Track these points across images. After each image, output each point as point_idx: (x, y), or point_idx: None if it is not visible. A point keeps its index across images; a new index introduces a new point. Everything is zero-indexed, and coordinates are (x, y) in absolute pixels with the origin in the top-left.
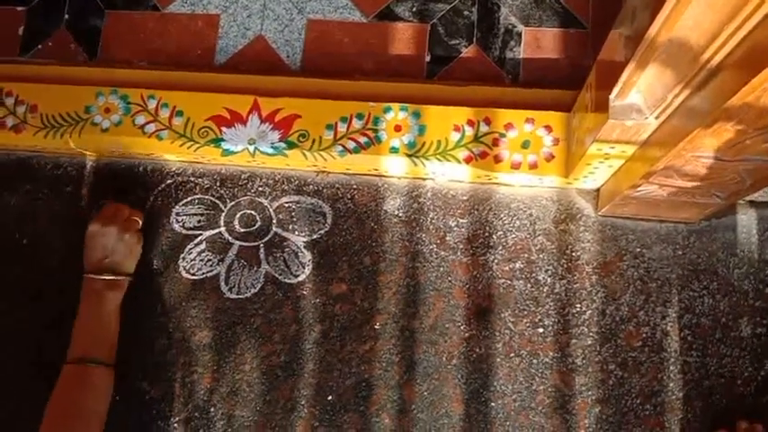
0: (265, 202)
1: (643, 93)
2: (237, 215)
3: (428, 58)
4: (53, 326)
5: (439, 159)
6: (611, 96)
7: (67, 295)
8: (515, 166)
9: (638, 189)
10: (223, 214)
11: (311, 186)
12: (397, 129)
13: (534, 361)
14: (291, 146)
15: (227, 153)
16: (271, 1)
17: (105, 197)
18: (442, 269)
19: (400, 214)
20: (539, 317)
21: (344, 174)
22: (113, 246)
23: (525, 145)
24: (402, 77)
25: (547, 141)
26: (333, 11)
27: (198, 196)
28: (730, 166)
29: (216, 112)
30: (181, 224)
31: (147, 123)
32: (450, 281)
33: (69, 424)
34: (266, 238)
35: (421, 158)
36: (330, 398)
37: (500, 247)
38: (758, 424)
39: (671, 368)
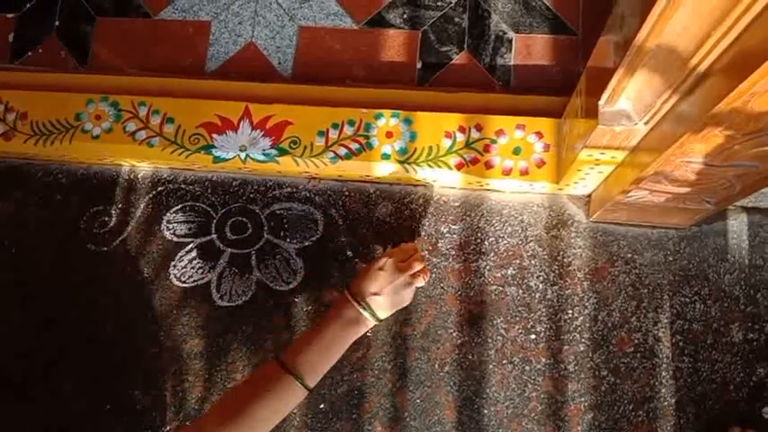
0: (257, 209)
1: (632, 99)
2: (229, 222)
3: (419, 65)
4: (41, 332)
5: (430, 166)
6: (601, 102)
7: (56, 303)
8: (506, 173)
9: (629, 195)
10: (214, 221)
11: (303, 193)
12: (389, 135)
13: (527, 367)
14: (283, 152)
15: (218, 160)
16: (262, 8)
17: (95, 206)
18: (433, 276)
19: (392, 221)
20: (531, 323)
21: (336, 180)
22: (389, 290)
23: (516, 151)
24: (393, 84)
25: (538, 147)
26: (324, 18)
27: (189, 203)
28: (719, 172)
29: (207, 118)
30: (172, 231)
31: (138, 130)
32: (442, 287)
33: (243, 417)
34: (258, 246)
35: (412, 165)
36: (322, 406)
37: (492, 254)
38: (750, 430)
39: (663, 374)
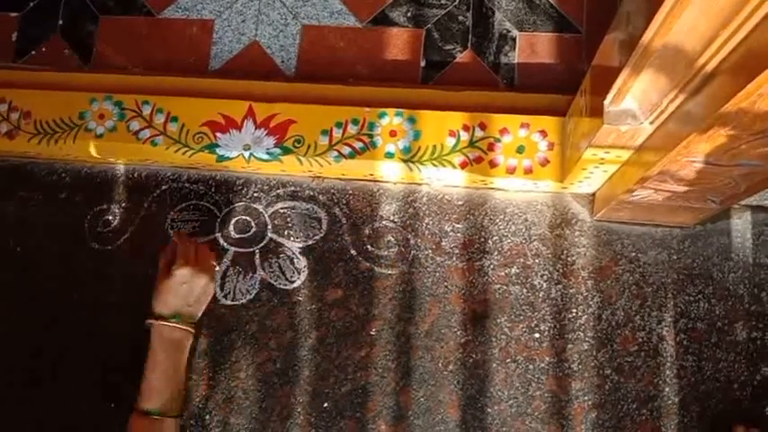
0: (260, 208)
1: (638, 98)
2: (232, 221)
3: (423, 64)
4: (45, 331)
5: (434, 164)
6: (606, 101)
7: (60, 301)
8: (510, 171)
9: (634, 194)
10: (218, 220)
11: (306, 192)
12: (393, 134)
13: (530, 366)
14: (286, 151)
15: (221, 159)
16: (265, 6)
17: (100, 205)
18: (437, 274)
19: (396, 220)
20: (535, 322)
21: (340, 179)
22: (199, 295)
23: (520, 150)
24: (397, 82)
25: (542, 146)
26: (327, 16)
27: (193, 202)
28: (725, 171)
29: (211, 117)
30: (176, 230)
31: (142, 129)
32: (446, 286)
33: None
34: (261, 244)
35: (416, 163)
36: (326, 405)
37: (496, 253)
38: (754, 428)
39: (667, 373)
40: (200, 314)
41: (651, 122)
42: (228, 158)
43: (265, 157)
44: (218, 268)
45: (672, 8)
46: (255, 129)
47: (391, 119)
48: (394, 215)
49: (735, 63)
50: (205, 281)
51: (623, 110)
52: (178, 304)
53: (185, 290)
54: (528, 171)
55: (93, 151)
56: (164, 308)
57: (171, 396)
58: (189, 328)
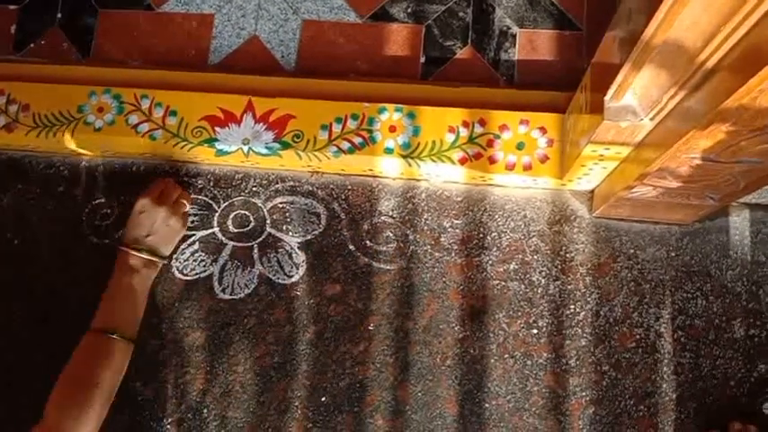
0: (259, 203)
1: (638, 94)
2: (231, 215)
3: (423, 59)
4: (43, 324)
5: (433, 160)
6: (607, 98)
7: (58, 295)
8: (510, 168)
9: (633, 190)
10: (216, 215)
11: (305, 187)
12: (392, 129)
13: (528, 362)
14: (286, 146)
15: (220, 153)
16: (265, 1)
17: (98, 198)
18: (436, 270)
19: (395, 215)
20: (533, 318)
21: (339, 174)
22: (158, 226)
23: (520, 146)
24: (397, 78)
25: (541, 143)
26: (328, 11)
27: (191, 196)
28: (724, 168)
29: (210, 111)
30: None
31: (141, 123)
32: (444, 282)
33: (82, 391)
34: (260, 239)
35: (415, 159)
36: (324, 399)
37: (494, 249)
38: (751, 425)
39: (664, 369)
40: (163, 248)
41: (651, 119)
42: (227, 153)
43: (264, 151)
44: (188, 208)
45: (673, 4)
46: (255, 123)
47: (391, 114)
48: (393, 211)
49: (735, 59)
50: (164, 213)
51: (623, 106)
52: (137, 233)
53: (144, 219)
54: (527, 168)
55: (91, 145)
56: (127, 235)
57: (123, 319)
58: (149, 257)
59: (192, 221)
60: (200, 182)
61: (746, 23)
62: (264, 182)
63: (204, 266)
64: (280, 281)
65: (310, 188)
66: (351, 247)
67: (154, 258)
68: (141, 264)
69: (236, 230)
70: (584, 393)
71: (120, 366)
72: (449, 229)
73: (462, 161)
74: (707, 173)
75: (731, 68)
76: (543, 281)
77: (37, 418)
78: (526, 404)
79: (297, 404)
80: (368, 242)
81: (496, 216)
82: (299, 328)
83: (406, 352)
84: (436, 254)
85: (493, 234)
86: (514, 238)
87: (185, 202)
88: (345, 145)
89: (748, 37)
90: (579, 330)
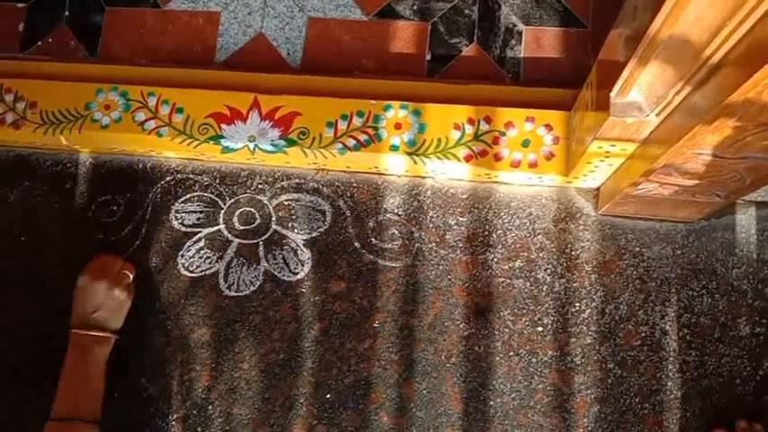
0: (265, 200)
1: (644, 90)
2: (237, 213)
3: (429, 57)
4: (50, 321)
5: (439, 158)
6: (612, 94)
7: (66, 291)
8: (515, 165)
9: (638, 187)
10: (222, 212)
11: (311, 184)
12: (398, 127)
13: (533, 360)
14: (291, 143)
15: (226, 150)
16: None
17: (104, 195)
18: (441, 267)
19: (400, 212)
20: (538, 315)
21: (344, 172)
22: (102, 301)
23: (525, 143)
24: (402, 76)
25: (547, 140)
26: (333, 9)
27: (197, 193)
28: (730, 164)
29: (216, 109)
30: (180, 221)
31: (147, 120)
32: (449, 279)
33: None
34: (265, 236)
35: (421, 157)
36: (329, 396)
37: (500, 246)
38: (757, 423)
39: (670, 367)
40: (112, 322)
41: (657, 115)
42: (233, 150)
43: (270, 148)
44: (131, 278)
45: None
46: (261, 120)
47: (396, 112)
48: (398, 208)
49: (741, 53)
50: (106, 286)
51: (629, 102)
52: (82, 311)
53: (87, 296)
54: (533, 165)
55: (98, 142)
56: (73, 317)
57: (83, 401)
58: (99, 334)
59: (198, 219)
60: (205, 179)
61: (752, 18)
62: (270, 179)
63: (210, 263)
64: (285, 278)
65: (316, 185)
66: (356, 244)
67: (104, 334)
68: (92, 341)
69: (241, 228)
70: (589, 391)
71: None
72: (454, 227)
73: (468, 158)
74: (713, 169)
75: (737, 63)
76: (548, 278)
77: (42, 417)
78: (531, 402)
79: (302, 401)
80: (373, 239)
81: (502, 213)
82: (305, 325)
83: (410, 349)
84: (441, 251)
85: (498, 231)
86: (520, 236)
87: (128, 272)
88: (351, 142)
89: (753, 31)
90: (584, 328)
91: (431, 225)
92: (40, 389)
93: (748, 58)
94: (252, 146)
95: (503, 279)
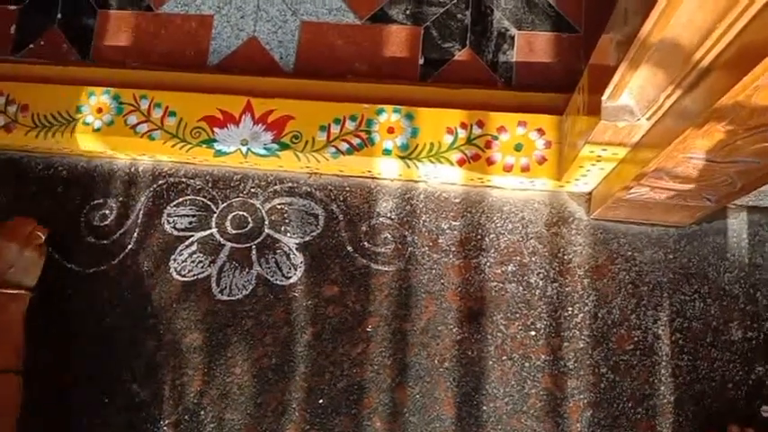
0: (257, 204)
1: (635, 94)
2: (229, 216)
3: (421, 61)
4: (40, 324)
5: (432, 162)
6: (604, 98)
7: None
8: (508, 169)
9: (630, 191)
10: (215, 216)
11: (304, 188)
12: (390, 131)
13: (526, 364)
14: (284, 147)
15: (219, 154)
16: (264, 2)
17: (96, 199)
18: (434, 272)
19: (393, 216)
20: (531, 320)
21: (337, 176)
22: (14, 260)
23: (518, 148)
24: (395, 80)
25: (539, 144)
26: (326, 13)
27: (190, 197)
28: (721, 168)
29: (209, 112)
30: (172, 225)
31: (140, 123)
32: (442, 283)
33: None
34: (258, 240)
35: (414, 161)
36: (321, 401)
37: (492, 250)
38: (749, 428)
39: (662, 372)
40: (26, 279)
41: (648, 118)
42: (226, 153)
43: (263, 152)
44: (42, 239)
45: (669, 2)
46: (253, 124)
47: (389, 116)
48: (391, 212)
49: (731, 56)
50: (17, 246)
51: (621, 106)
52: None
53: (1, 258)
54: (525, 169)
55: (90, 145)
56: None
57: (2, 354)
58: (12, 291)
59: (191, 222)
60: (198, 183)
61: (741, 21)
62: (263, 183)
63: (202, 267)
64: (278, 282)
65: (309, 189)
66: (349, 248)
67: (18, 292)
68: (8, 298)
69: (234, 231)
70: (582, 396)
71: (12, 399)
72: (447, 231)
73: (460, 162)
74: (704, 173)
75: (727, 66)
76: (541, 283)
77: None
78: (524, 406)
79: (294, 406)
80: (366, 243)
81: (494, 218)
82: (297, 330)
83: (403, 354)
84: (434, 255)
85: (491, 236)
86: (512, 240)
87: (40, 233)
88: (344, 146)
89: (743, 34)
90: (577, 332)
91: (423, 229)
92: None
93: (738, 61)
94: (244, 149)
95: (495, 283)
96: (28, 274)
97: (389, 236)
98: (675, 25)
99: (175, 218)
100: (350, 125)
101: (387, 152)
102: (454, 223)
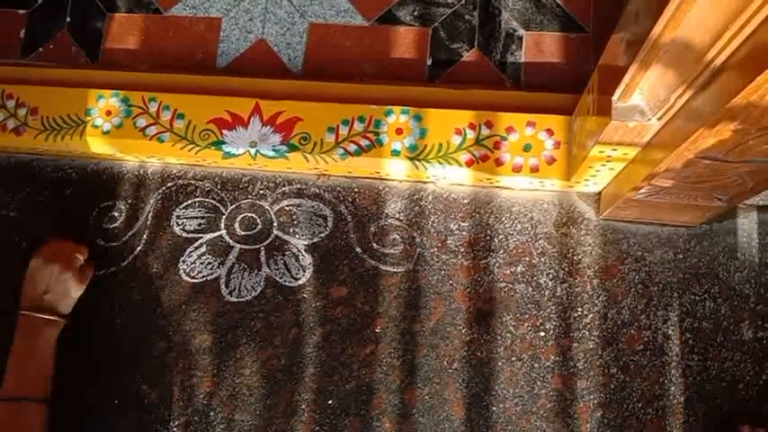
0: (266, 205)
1: (646, 94)
2: (238, 218)
3: (429, 62)
4: None
5: (440, 162)
6: (614, 98)
7: None
8: (517, 170)
9: (640, 192)
10: (224, 217)
11: (312, 189)
12: (399, 132)
13: (536, 365)
14: (293, 148)
15: (228, 156)
16: (272, 4)
17: (106, 201)
18: (443, 272)
19: (401, 217)
20: (540, 320)
21: (345, 177)
22: (53, 284)
23: (527, 148)
24: (403, 81)
25: (548, 144)
26: (334, 14)
27: (199, 199)
28: (732, 168)
29: (217, 114)
30: (181, 227)
31: (149, 126)
32: (451, 284)
33: None
34: (267, 242)
35: (422, 161)
36: (331, 402)
37: (501, 251)
38: (760, 428)
39: (672, 372)
40: (62, 305)
41: (659, 119)
42: (235, 155)
43: (271, 154)
44: (82, 261)
45: (681, 3)
46: (262, 126)
47: (397, 117)
48: (399, 213)
49: (743, 57)
50: (58, 269)
51: (631, 106)
52: (33, 294)
53: (37, 278)
54: (534, 169)
55: (99, 148)
56: (23, 299)
57: (32, 382)
58: (48, 317)
59: (200, 224)
60: (207, 184)
61: (754, 21)
62: (271, 184)
63: (211, 269)
64: (286, 283)
65: (317, 191)
66: (357, 249)
67: (53, 318)
68: (42, 323)
69: (243, 233)
70: (591, 396)
71: (37, 428)
72: (455, 232)
73: (469, 163)
74: (715, 173)
75: (739, 66)
76: (550, 283)
77: None
78: (534, 407)
79: (303, 407)
80: (374, 245)
81: (503, 218)
82: (306, 331)
83: (412, 355)
84: (443, 256)
85: (500, 236)
86: (521, 241)
87: (79, 256)
88: (352, 147)
89: (756, 35)
90: (587, 333)
91: (432, 230)
92: None
93: (750, 61)
94: (253, 151)
95: (504, 284)
96: (64, 300)
97: (398, 237)
98: (687, 26)
99: (184, 220)
100: (358, 126)
101: (395, 153)
102: (463, 224)
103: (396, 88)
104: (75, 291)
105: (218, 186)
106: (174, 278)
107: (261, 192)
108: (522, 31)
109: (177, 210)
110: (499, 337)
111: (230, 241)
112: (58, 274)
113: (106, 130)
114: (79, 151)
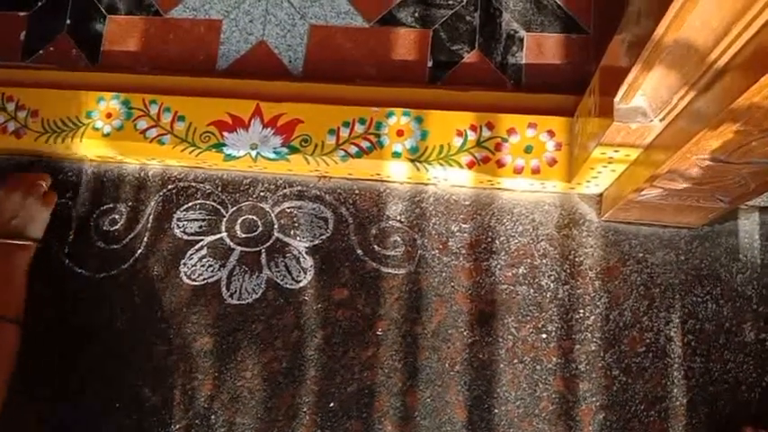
0: (267, 208)
1: (648, 95)
2: (239, 220)
3: (430, 64)
4: (51, 330)
5: (441, 164)
6: (616, 99)
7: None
8: (518, 171)
9: (642, 193)
10: (224, 219)
11: (313, 191)
12: (400, 133)
13: (537, 367)
14: (293, 151)
15: (228, 158)
16: (273, 6)
17: (106, 204)
18: (444, 274)
19: (402, 220)
20: (542, 322)
21: (346, 179)
22: (19, 210)
23: (528, 150)
24: (404, 82)
25: (549, 146)
26: (335, 16)
27: (199, 201)
28: (735, 169)
29: (218, 116)
30: (182, 229)
31: (149, 128)
32: (452, 286)
33: None
34: (268, 244)
35: (423, 163)
36: (332, 404)
37: (503, 253)
38: (763, 430)
39: (675, 374)
40: (30, 229)
41: (661, 120)
42: (235, 157)
43: (272, 156)
44: (45, 188)
45: (684, 3)
46: (263, 128)
47: (398, 118)
48: (401, 215)
49: (747, 58)
50: (20, 195)
51: (633, 107)
52: (0, 221)
53: (2, 207)
54: (535, 171)
55: (99, 150)
56: None
57: (2, 303)
58: (16, 242)
59: (200, 227)
60: (207, 187)
61: (757, 22)
62: (272, 186)
63: (212, 272)
64: (287, 286)
65: (318, 193)
66: (358, 251)
67: (23, 242)
68: (14, 248)
69: (243, 235)
70: (594, 398)
71: (9, 349)
72: (457, 234)
73: (470, 165)
74: (717, 174)
75: (742, 67)
76: (552, 285)
77: None
78: (536, 409)
79: (305, 410)
80: (376, 247)
81: (505, 220)
82: (307, 333)
83: (414, 357)
84: (444, 258)
85: (501, 238)
86: (523, 242)
87: (42, 182)
88: (353, 149)
89: (759, 36)
90: (589, 335)
91: (433, 232)
92: (39, 397)
93: (754, 62)
94: (254, 153)
95: (506, 286)
96: (31, 224)
97: (399, 239)
98: (690, 27)
99: (185, 222)
100: (359, 128)
101: (396, 155)
102: (464, 226)
103: (397, 90)
104: (41, 213)
105: (219, 189)
106: (175, 281)
107: (262, 194)
108: (522, 33)
109: (178, 212)
110: (501, 340)
111: (231, 244)
112: (21, 199)
113: (106, 132)
114: (79, 154)
